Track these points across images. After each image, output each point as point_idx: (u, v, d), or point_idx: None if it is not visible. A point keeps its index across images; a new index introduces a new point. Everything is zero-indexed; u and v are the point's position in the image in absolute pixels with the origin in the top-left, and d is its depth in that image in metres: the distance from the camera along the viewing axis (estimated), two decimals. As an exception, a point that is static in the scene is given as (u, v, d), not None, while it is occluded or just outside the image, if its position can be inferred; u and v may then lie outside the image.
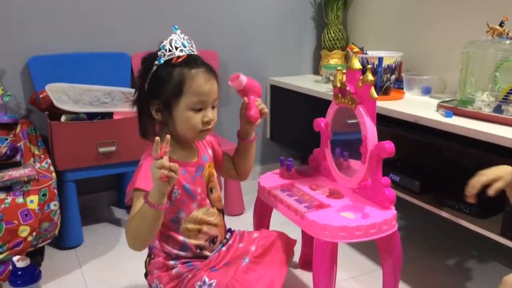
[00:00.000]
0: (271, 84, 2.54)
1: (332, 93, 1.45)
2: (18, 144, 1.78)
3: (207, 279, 1.12)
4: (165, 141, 0.96)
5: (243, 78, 1.24)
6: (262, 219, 1.53)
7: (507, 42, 1.53)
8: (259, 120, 1.27)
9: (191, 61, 1.12)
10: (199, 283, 1.12)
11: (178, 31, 1.13)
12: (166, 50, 1.10)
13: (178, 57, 1.11)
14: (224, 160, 1.34)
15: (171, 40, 1.11)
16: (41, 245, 1.67)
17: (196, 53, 1.15)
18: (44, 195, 1.62)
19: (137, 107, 1.18)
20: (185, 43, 1.13)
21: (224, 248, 1.24)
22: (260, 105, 1.26)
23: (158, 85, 1.11)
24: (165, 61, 1.11)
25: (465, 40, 1.65)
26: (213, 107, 1.15)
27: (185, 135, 1.17)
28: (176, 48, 1.11)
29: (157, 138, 0.95)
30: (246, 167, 1.35)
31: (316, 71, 2.69)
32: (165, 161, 0.94)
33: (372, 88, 1.28)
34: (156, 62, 1.11)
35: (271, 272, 1.17)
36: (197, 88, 1.10)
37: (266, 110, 1.27)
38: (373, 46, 2.25)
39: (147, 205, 0.98)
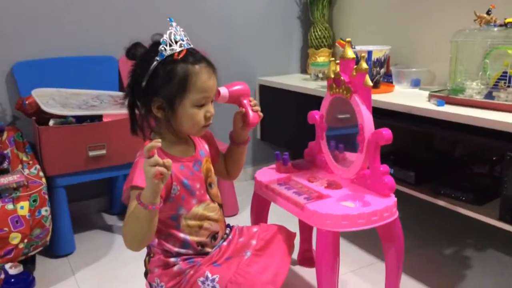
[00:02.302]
0: (260, 84, 2.53)
1: (322, 90, 1.44)
2: (5, 151, 1.73)
3: (209, 275, 1.09)
4: (155, 145, 0.92)
5: (224, 90, 1.22)
6: (260, 215, 1.51)
7: (495, 29, 1.55)
8: None
9: (192, 56, 1.09)
10: (201, 278, 1.09)
11: (174, 23, 1.11)
12: (166, 45, 1.07)
13: (179, 52, 1.08)
14: (218, 157, 1.32)
15: (170, 33, 1.08)
16: (32, 253, 1.62)
17: (192, 45, 1.13)
18: (34, 200, 1.58)
19: (130, 103, 1.15)
20: (183, 36, 1.11)
21: (225, 243, 1.21)
22: (255, 107, 1.25)
23: (161, 82, 1.07)
24: (166, 57, 1.08)
25: (452, 31, 1.66)
26: (211, 101, 1.14)
27: (187, 131, 1.15)
28: (176, 42, 1.08)
29: (156, 143, 0.92)
30: (237, 168, 1.34)
31: (304, 70, 2.69)
32: (158, 158, 0.92)
33: (367, 76, 1.27)
34: (158, 58, 1.07)
35: (274, 263, 1.15)
36: (202, 84, 1.08)
37: (261, 113, 1.26)
38: (360, 42, 2.26)
39: (140, 206, 0.96)
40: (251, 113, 1.24)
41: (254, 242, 1.21)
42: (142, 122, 1.14)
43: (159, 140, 0.94)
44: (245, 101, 1.25)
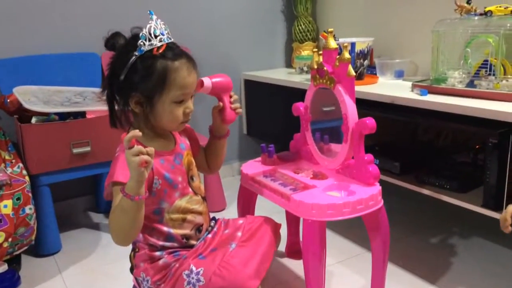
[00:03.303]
0: (245, 79, 2.53)
1: (307, 83, 1.44)
2: (-13, 150, 1.71)
3: (194, 268, 1.09)
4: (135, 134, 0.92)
5: (207, 81, 1.22)
6: (246, 208, 1.51)
7: (476, 18, 1.56)
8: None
9: (171, 51, 1.08)
10: (186, 271, 1.09)
11: (155, 17, 1.10)
12: (146, 40, 1.06)
13: (159, 47, 1.07)
14: (199, 151, 1.32)
15: (149, 27, 1.07)
16: (17, 252, 1.61)
17: (172, 40, 1.13)
18: (18, 199, 1.56)
19: (108, 97, 1.14)
20: (163, 30, 1.10)
21: (209, 235, 1.21)
22: (234, 105, 1.25)
23: (139, 78, 1.06)
24: (145, 52, 1.06)
25: (433, 22, 1.68)
26: (191, 97, 1.13)
27: (166, 126, 1.14)
28: (156, 37, 1.07)
29: (136, 133, 0.92)
30: (218, 161, 1.34)
31: (289, 64, 2.69)
32: (141, 146, 0.92)
33: (350, 66, 1.28)
34: (136, 53, 1.06)
35: (259, 252, 1.15)
36: (181, 81, 1.08)
37: (240, 110, 1.27)
38: (344, 35, 2.26)
39: (126, 198, 0.95)
40: (228, 110, 1.24)
41: (239, 234, 1.21)
42: (121, 115, 1.13)
43: (138, 130, 0.94)
44: (225, 98, 1.25)
